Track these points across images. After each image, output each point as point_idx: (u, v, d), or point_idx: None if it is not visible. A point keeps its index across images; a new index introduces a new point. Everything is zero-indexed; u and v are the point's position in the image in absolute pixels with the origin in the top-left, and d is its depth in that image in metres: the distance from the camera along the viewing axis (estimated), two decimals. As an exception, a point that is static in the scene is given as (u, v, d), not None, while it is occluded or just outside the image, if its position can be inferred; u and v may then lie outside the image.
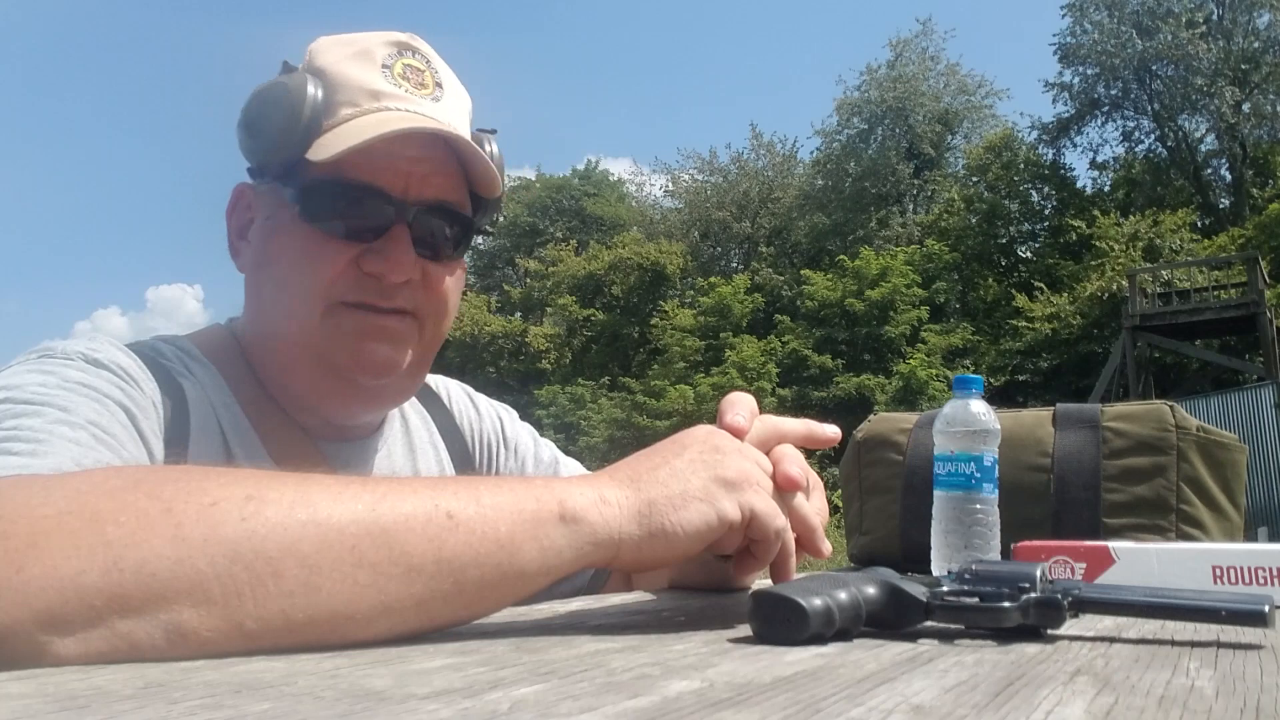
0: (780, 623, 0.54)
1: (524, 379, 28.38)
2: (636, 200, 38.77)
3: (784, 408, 21.72)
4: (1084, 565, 0.82)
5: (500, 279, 36.52)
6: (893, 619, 0.58)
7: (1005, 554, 0.90)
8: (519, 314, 33.74)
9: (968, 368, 22.12)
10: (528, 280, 34.42)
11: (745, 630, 0.57)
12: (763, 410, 0.71)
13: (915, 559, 0.92)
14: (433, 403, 1.06)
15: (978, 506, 0.90)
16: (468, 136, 0.89)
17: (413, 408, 1.03)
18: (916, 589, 0.58)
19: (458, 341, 29.14)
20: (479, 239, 0.99)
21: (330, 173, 0.82)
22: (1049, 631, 0.57)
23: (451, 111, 0.88)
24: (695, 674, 0.43)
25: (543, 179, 38.47)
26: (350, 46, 0.87)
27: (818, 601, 0.53)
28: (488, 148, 0.91)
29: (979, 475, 0.90)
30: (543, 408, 25.08)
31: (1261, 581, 0.76)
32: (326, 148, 0.80)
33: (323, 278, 0.83)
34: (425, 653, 0.49)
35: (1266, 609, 0.53)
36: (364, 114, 0.83)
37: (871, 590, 0.57)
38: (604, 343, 31.09)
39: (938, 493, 0.92)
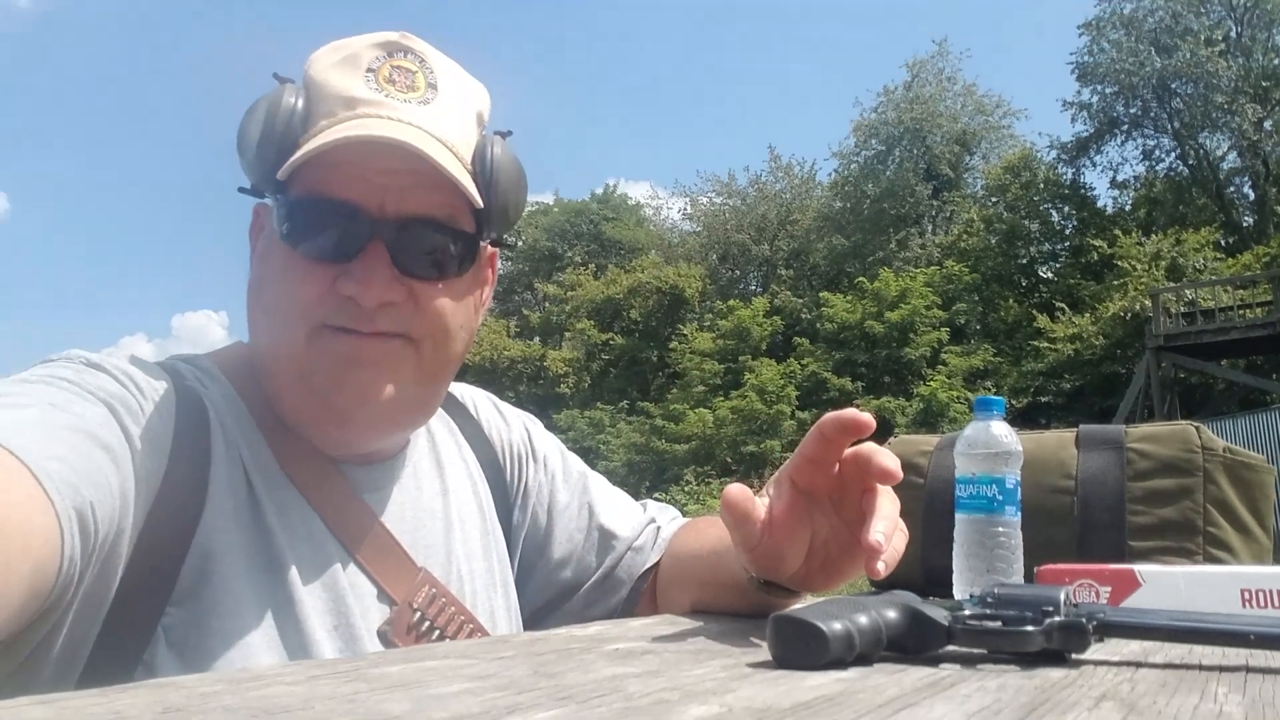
0: (800, 647, 0.53)
1: (543, 403, 28.43)
2: (654, 224, 38.93)
3: (804, 431, 21.56)
4: (1109, 589, 0.81)
5: (519, 303, 36.67)
6: (914, 643, 0.57)
7: (1029, 578, 0.89)
8: (537, 338, 33.84)
9: (989, 389, 21.94)
10: (546, 304, 34.57)
11: (765, 655, 0.56)
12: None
13: (937, 582, 0.91)
14: (459, 413, 1.02)
15: (1000, 529, 0.89)
16: (467, 138, 0.83)
17: (438, 419, 0.97)
18: (938, 613, 0.57)
19: (476, 366, 29.26)
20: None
21: (307, 191, 0.78)
22: (1073, 656, 0.56)
23: (446, 113, 0.82)
24: (714, 699, 0.43)
25: (561, 203, 38.71)
26: (339, 52, 0.83)
27: (838, 626, 0.53)
28: (493, 151, 0.84)
29: (1001, 498, 0.89)
30: (562, 432, 25.12)
31: (1292, 605, 0.74)
32: (291, 164, 0.76)
33: (302, 300, 0.78)
34: (444, 678, 0.49)
35: (1296, 633, 0.52)
36: (335, 124, 0.78)
37: (892, 614, 0.57)
38: (623, 367, 31.12)
39: (959, 515, 0.91)
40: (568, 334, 32.55)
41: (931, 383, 23.08)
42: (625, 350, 31.09)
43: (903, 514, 0.71)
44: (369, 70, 0.81)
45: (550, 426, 1.11)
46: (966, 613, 0.58)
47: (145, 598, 0.71)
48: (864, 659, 0.54)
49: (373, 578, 0.82)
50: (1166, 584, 0.79)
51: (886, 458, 0.68)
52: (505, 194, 0.84)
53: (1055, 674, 0.52)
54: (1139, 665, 0.56)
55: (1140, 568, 0.81)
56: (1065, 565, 0.85)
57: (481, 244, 0.86)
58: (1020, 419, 18.49)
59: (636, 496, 1.13)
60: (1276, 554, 1.12)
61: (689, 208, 36.47)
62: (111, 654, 0.69)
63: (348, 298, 0.78)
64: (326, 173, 0.78)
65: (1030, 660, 0.55)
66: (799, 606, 0.61)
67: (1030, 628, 0.55)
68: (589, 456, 24.94)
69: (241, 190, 0.84)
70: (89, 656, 0.69)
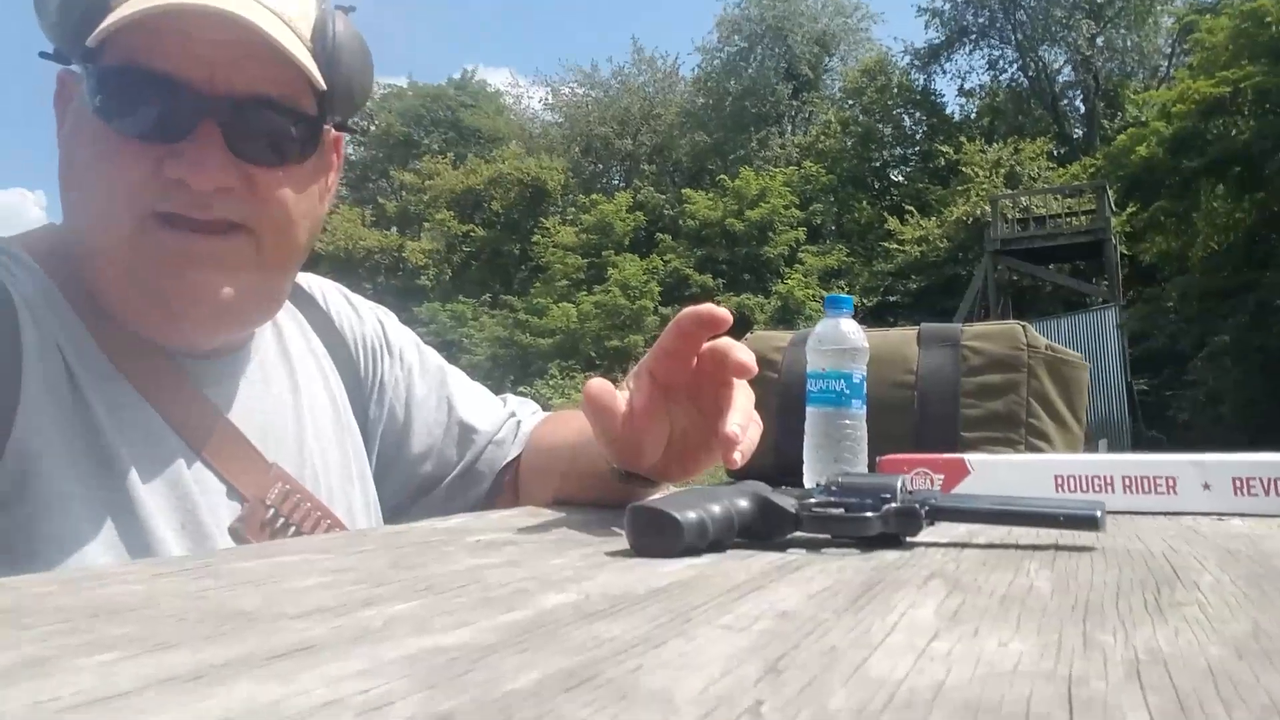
0: (656, 536, 0.55)
1: (402, 295, 27.61)
2: (515, 113, 37.79)
3: (666, 326, 21.93)
4: (942, 476, 0.87)
5: (374, 191, 35.08)
6: (764, 530, 0.60)
7: (872, 467, 0.94)
8: (395, 228, 32.63)
9: (842, 288, 22.83)
10: (403, 194, 33.24)
11: (624, 544, 0.58)
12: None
13: (790, 472, 0.95)
14: (307, 305, 0.96)
15: (847, 422, 0.94)
16: (304, 12, 0.77)
17: (286, 312, 0.92)
18: (787, 501, 0.60)
19: (330, 256, 28.07)
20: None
21: (123, 60, 0.71)
22: (907, 539, 0.60)
23: None
24: (572, 587, 0.44)
25: (416, 87, 36.85)
26: None
27: (692, 514, 0.55)
28: (334, 27, 0.78)
29: (848, 392, 0.94)
30: (423, 325, 24.60)
31: (1097, 489, 0.82)
32: (103, 31, 0.68)
33: (124, 186, 0.71)
34: (299, 572, 0.48)
35: (1099, 514, 0.57)
36: None
37: (744, 503, 0.59)
38: (484, 259, 30.56)
39: (809, 408, 0.96)
40: (426, 224, 31.51)
41: (789, 281, 23.82)
42: (487, 242, 30.46)
43: (758, 407, 0.74)
44: None
45: (411, 319, 1.08)
46: (813, 501, 0.61)
47: None
48: (717, 546, 0.57)
49: (221, 475, 0.78)
50: (992, 471, 0.86)
51: (742, 353, 0.70)
52: (349, 74, 0.79)
53: (890, 555, 0.56)
54: (964, 546, 0.60)
55: (970, 457, 0.88)
56: (904, 455, 0.91)
57: (325, 127, 0.81)
58: (870, 317, 19.43)
59: (501, 390, 1.13)
60: (1089, 443, 1.23)
61: (551, 98, 35.67)
62: None
63: (177, 181, 0.71)
64: (146, 39, 0.70)
65: (869, 543, 0.59)
66: (656, 497, 0.63)
67: (869, 514, 0.58)
68: (452, 350, 24.72)
69: (43, 55, 0.75)
70: None
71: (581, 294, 25.39)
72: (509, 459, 1.00)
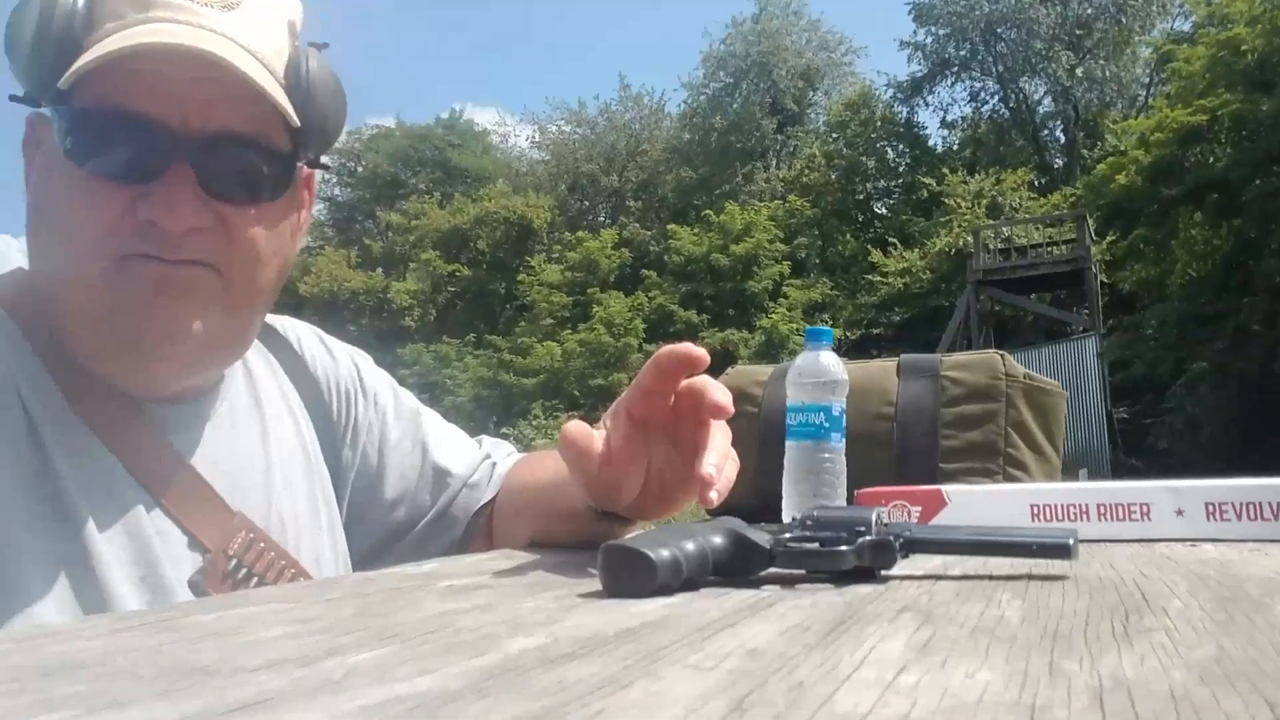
0: (629, 575, 0.54)
1: (386, 337, 27.55)
2: (502, 152, 38.13)
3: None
4: (920, 509, 0.87)
5: (360, 233, 35.20)
6: (739, 567, 0.59)
7: (851, 500, 0.94)
8: (380, 269, 32.64)
9: (826, 321, 22.92)
10: (389, 234, 33.34)
11: (598, 585, 0.57)
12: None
13: (769, 508, 0.95)
14: (281, 348, 0.95)
15: (826, 455, 0.94)
16: (278, 50, 0.77)
17: (257, 354, 0.91)
18: (762, 537, 0.60)
19: (315, 299, 28.07)
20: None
21: (95, 102, 0.70)
22: (882, 572, 0.60)
23: (254, 21, 0.75)
24: (541, 630, 0.44)
25: (403, 128, 37.15)
26: None
27: (665, 553, 0.54)
28: (308, 64, 0.78)
29: (828, 425, 0.94)
30: (406, 367, 24.47)
31: (1073, 517, 0.82)
32: (75, 72, 0.68)
33: (96, 228, 0.71)
34: (263, 623, 0.47)
35: (1071, 542, 0.57)
36: (125, 28, 0.70)
37: (718, 540, 0.59)
38: (469, 299, 30.61)
39: (789, 442, 0.95)
40: (412, 265, 31.56)
41: (773, 315, 23.92)
42: (472, 282, 30.53)
43: (737, 443, 0.74)
44: None
45: (394, 362, 1.08)
46: (787, 536, 0.61)
47: None
48: (691, 584, 0.56)
49: (182, 525, 0.76)
50: (969, 502, 0.86)
51: (719, 392, 0.70)
52: (323, 110, 0.79)
53: (864, 589, 0.56)
54: (939, 578, 0.60)
55: (947, 488, 0.88)
56: (882, 488, 0.91)
57: (298, 164, 0.81)
58: (854, 350, 19.50)
59: (484, 431, 1.11)
60: (1069, 472, 1.23)
61: (537, 136, 35.96)
62: None
63: (149, 223, 0.71)
64: (118, 82, 0.70)
65: (844, 578, 0.59)
66: (630, 536, 0.63)
67: (844, 547, 0.58)
68: (435, 392, 24.60)
69: (13, 99, 0.75)
70: None
71: (566, 332, 25.39)
72: (483, 502, 0.99)
